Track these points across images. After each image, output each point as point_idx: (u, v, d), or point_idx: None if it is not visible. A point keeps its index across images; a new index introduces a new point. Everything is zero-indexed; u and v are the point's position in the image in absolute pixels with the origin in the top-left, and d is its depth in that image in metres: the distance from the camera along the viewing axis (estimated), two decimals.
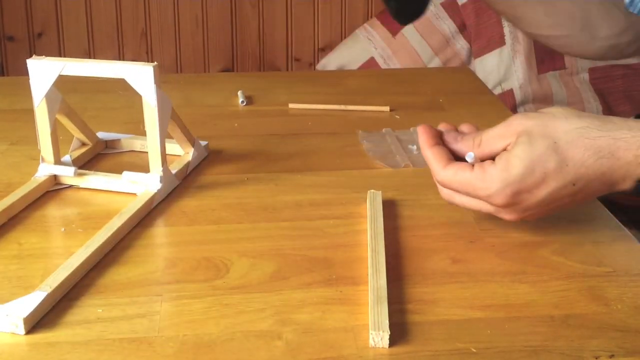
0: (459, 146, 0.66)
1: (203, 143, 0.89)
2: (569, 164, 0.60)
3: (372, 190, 0.77)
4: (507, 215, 0.65)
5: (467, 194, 0.65)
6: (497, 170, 0.62)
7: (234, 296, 0.60)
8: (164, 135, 0.77)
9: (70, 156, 0.84)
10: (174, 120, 0.80)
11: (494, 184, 0.62)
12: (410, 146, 0.91)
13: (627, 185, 0.60)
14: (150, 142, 0.76)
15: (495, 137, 0.64)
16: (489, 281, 0.63)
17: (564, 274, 0.64)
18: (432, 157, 0.66)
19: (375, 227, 0.70)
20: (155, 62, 0.75)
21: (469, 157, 0.65)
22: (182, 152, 0.86)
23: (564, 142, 0.60)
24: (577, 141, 0.59)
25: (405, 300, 0.60)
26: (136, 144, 0.90)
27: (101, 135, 0.91)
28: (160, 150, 0.76)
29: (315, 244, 0.69)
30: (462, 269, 0.65)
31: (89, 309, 0.59)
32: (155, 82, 0.74)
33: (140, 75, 0.74)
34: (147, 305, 0.59)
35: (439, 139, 0.67)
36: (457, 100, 1.11)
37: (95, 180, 0.79)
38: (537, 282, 0.63)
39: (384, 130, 0.97)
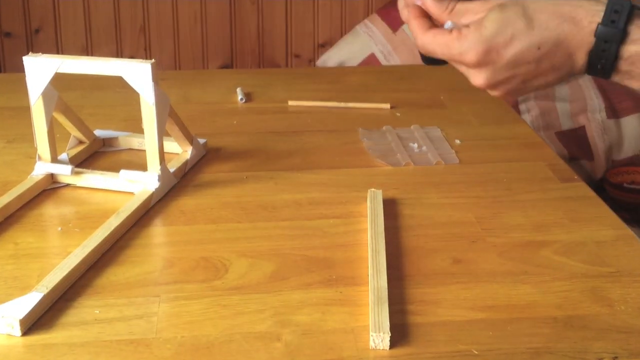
0: (432, 4, 0.70)
1: (201, 141, 0.88)
2: (535, 26, 0.64)
3: (373, 189, 0.76)
4: (477, 79, 0.68)
5: (444, 55, 0.69)
6: (470, 30, 0.66)
7: (233, 297, 0.60)
8: (162, 133, 0.76)
9: (67, 154, 0.83)
10: (172, 118, 0.79)
11: (467, 41, 0.66)
12: (411, 144, 0.91)
13: (581, 55, 0.63)
14: (148, 140, 0.75)
15: (468, 10, 0.68)
16: (490, 281, 0.62)
17: (567, 274, 0.63)
18: (415, 24, 0.70)
19: (376, 227, 0.69)
20: (153, 60, 0.74)
21: (447, 25, 0.69)
22: (180, 150, 0.85)
23: (532, 9, 0.65)
24: (543, 7, 0.65)
25: (406, 301, 0.59)
26: (134, 141, 0.89)
27: (98, 133, 0.90)
28: (158, 149, 0.75)
29: (315, 243, 0.68)
30: (464, 269, 0.64)
31: (86, 310, 0.58)
32: (153, 80, 0.73)
33: (137, 73, 0.73)
34: (145, 306, 0.58)
35: (426, 14, 0.71)
36: (458, 97, 1.10)
37: (92, 178, 0.78)
38: (539, 282, 0.62)
39: (384, 127, 0.96)
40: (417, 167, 0.85)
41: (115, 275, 0.63)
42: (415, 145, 0.90)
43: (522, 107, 1.65)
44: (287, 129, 0.97)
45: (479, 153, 0.89)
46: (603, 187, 1.66)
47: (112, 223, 0.68)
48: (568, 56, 0.64)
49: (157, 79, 0.73)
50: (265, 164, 0.86)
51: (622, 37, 0.61)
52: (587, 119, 1.66)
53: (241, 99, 1.07)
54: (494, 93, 0.69)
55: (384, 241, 0.66)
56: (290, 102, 1.06)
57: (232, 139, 0.93)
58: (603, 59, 0.63)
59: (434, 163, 0.86)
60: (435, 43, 0.68)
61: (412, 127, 0.96)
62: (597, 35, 0.62)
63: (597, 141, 1.65)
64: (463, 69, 0.69)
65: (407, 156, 0.87)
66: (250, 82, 1.15)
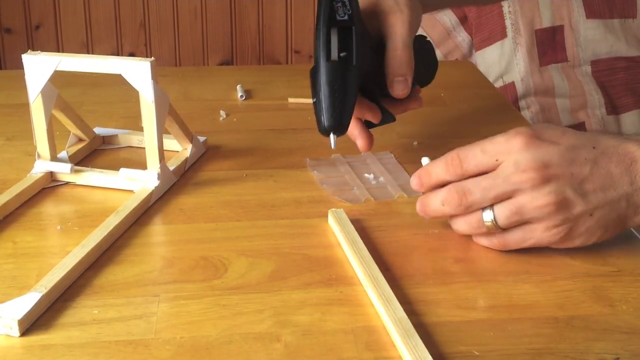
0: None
1: (201, 139, 0.87)
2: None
3: (334, 209, 0.71)
4: (530, 177, 0.61)
5: (473, 168, 0.64)
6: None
7: (232, 297, 0.59)
8: (162, 132, 0.76)
9: (67, 152, 0.82)
10: (171, 115, 0.78)
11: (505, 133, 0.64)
12: (366, 175, 0.81)
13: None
14: (147, 139, 0.75)
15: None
16: (491, 281, 0.62)
17: (568, 273, 0.63)
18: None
19: (359, 252, 0.64)
20: (153, 58, 0.74)
21: (424, 161, 0.67)
22: (180, 148, 0.85)
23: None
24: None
25: (406, 301, 0.59)
26: (134, 139, 0.89)
27: (98, 130, 0.90)
28: (157, 147, 0.75)
29: (315, 242, 0.68)
30: (464, 268, 0.64)
31: (85, 310, 0.57)
32: (153, 78, 0.73)
33: (137, 71, 0.72)
34: (144, 306, 0.58)
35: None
36: (459, 95, 1.09)
37: (92, 177, 0.78)
38: (540, 282, 0.62)
39: (333, 156, 0.87)
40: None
41: (114, 274, 0.62)
42: (372, 176, 0.81)
43: (522, 103, 1.65)
44: (287, 126, 0.97)
45: None
46: None
47: (111, 222, 0.68)
48: (626, 168, 0.62)
49: (156, 76, 0.73)
50: (264, 162, 0.85)
51: None
52: (587, 115, 1.65)
53: (241, 97, 1.07)
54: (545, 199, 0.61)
55: (375, 265, 0.62)
56: (290, 100, 1.06)
57: (232, 137, 0.93)
58: None
59: (396, 197, 0.77)
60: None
61: (362, 153, 0.86)
62: None
63: None
64: (508, 166, 0.62)
65: (366, 190, 0.77)
66: (251, 79, 1.14)
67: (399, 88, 0.73)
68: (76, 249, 0.63)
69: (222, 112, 1.00)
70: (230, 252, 0.66)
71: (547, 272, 0.63)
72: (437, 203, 0.65)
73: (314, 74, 0.70)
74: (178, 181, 0.80)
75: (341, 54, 0.69)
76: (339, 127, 0.69)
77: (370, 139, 0.78)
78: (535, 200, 0.61)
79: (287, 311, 0.58)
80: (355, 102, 0.70)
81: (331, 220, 0.70)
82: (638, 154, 0.63)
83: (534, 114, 1.64)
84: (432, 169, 0.66)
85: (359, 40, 0.69)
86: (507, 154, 0.62)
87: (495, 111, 1.04)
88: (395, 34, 0.73)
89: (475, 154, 0.64)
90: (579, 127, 1.68)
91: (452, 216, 0.66)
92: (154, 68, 0.73)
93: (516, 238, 0.64)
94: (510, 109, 1.07)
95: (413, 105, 0.79)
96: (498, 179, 0.62)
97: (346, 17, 0.69)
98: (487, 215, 0.63)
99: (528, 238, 0.64)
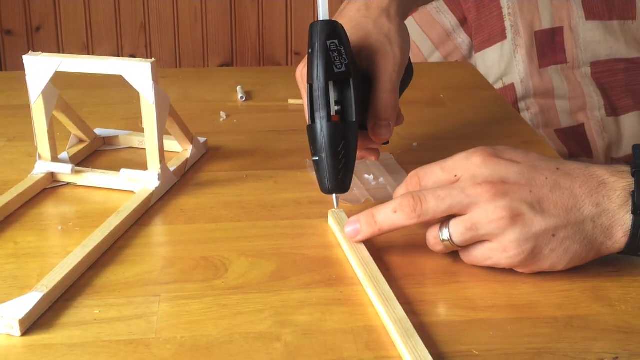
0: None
1: (202, 140, 0.88)
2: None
3: (334, 210, 0.71)
4: (485, 190, 0.59)
5: (435, 176, 0.63)
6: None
7: (233, 297, 0.60)
8: (162, 133, 0.76)
9: (68, 153, 0.83)
10: (172, 116, 0.79)
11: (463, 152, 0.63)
12: (366, 176, 0.81)
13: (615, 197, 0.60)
14: (148, 140, 0.75)
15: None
16: (491, 281, 0.62)
17: (567, 273, 0.63)
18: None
19: (359, 252, 0.64)
20: (153, 59, 0.74)
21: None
22: (180, 149, 0.85)
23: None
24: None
25: (405, 301, 0.59)
26: (134, 140, 0.89)
27: (99, 131, 0.90)
28: (158, 148, 0.75)
29: (314, 242, 0.68)
30: (464, 268, 0.64)
31: (86, 310, 0.58)
32: (153, 79, 0.73)
33: (137, 72, 0.73)
34: (145, 306, 0.58)
35: None
36: (458, 96, 1.10)
37: (92, 177, 0.78)
38: (539, 281, 0.62)
39: None
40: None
41: (115, 274, 0.63)
42: (371, 177, 0.81)
43: (522, 104, 1.65)
44: (287, 127, 0.97)
45: None
46: None
47: (112, 222, 0.68)
48: (592, 189, 0.60)
49: (157, 78, 0.73)
50: (265, 163, 0.86)
51: None
52: (587, 116, 1.66)
53: (241, 98, 1.07)
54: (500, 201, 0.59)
55: (375, 265, 0.62)
56: (290, 101, 1.06)
57: (232, 138, 0.93)
58: None
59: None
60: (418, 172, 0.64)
61: None
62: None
63: (597, 139, 1.64)
64: (466, 178, 0.61)
65: (365, 191, 0.78)
66: (251, 81, 1.14)
67: (382, 133, 0.73)
68: (77, 249, 0.63)
69: (223, 113, 1.01)
70: (231, 253, 0.66)
71: (547, 272, 0.63)
72: (388, 211, 0.62)
73: (313, 132, 0.69)
74: (178, 182, 0.80)
75: (337, 108, 0.68)
76: (343, 188, 0.69)
77: (377, 152, 0.78)
78: (489, 214, 0.59)
79: (287, 311, 0.58)
80: (356, 157, 0.69)
81: (331, 221, 0.71)
82: (606, 177, 0.61)
83: (534, 115, 1.65)
84: (396, 192, 0.66)
85: (357, 92, 0.68)
86: (465, 170, 0.61)
87: (494, 113, 1.04)
88: (384, 78, 0.72)
89: (434, 172, 0.63)
90: (579, 128, 1.68)
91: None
92: (155, 69, 0.73)
93: (477, 256, 0.62)
94: (510, 110, 1.07)
95: (395, 124, 0.77)
96: (454, 190, 0.60)
97: (344, 69, 0.67)
98: (444, 234, 0.62)
99: (488, 257, 0.61)
